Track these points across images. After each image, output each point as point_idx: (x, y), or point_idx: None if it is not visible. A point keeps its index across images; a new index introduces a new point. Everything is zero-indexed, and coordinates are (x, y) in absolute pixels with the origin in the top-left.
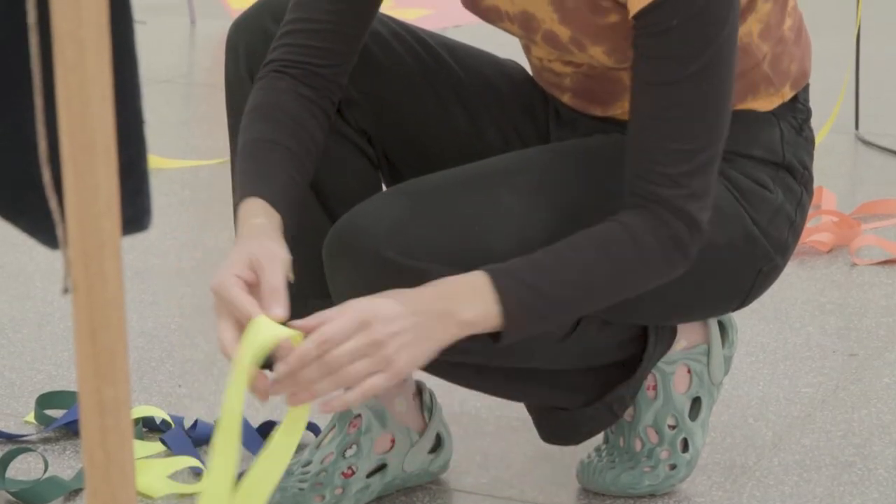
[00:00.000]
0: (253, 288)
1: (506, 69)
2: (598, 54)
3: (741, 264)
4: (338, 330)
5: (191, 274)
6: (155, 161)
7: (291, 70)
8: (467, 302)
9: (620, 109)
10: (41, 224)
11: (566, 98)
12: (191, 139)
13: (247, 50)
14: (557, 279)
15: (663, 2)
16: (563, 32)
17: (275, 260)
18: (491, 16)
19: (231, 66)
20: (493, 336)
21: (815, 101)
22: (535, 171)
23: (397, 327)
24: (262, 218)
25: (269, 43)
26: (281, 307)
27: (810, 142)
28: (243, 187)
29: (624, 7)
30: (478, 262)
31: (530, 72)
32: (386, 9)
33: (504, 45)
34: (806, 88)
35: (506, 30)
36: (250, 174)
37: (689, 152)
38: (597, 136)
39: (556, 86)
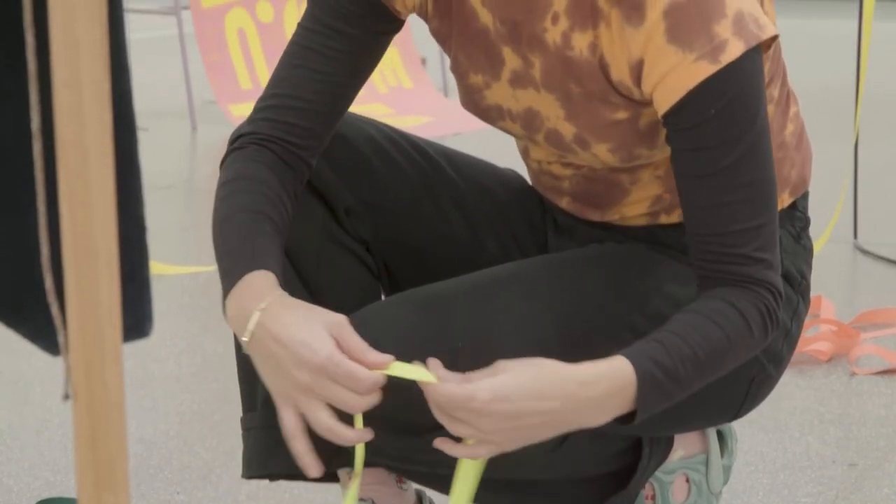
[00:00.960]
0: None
1: (504, 178)
2: (602, 152)
3: (733, 373)
4: (515, 388)
5: (190, 380)
6: (155, 267)
7: (271, 145)
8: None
9: (618, 215)
10: (42, 330)
11: (564, 202)
12: (190, 245)
13: None
14: (682, 357)
15: (696, 96)
16: (568, 130)
17: (345, 323)
18: (492, 115)
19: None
20: (621, 418)
21: (813, 210)
22: (536, 280)
23: (546, 407)
24: (283, 291)
25: None
26: (386, 357)
27: (808, 251)
28: (252, 259)
29: (633, 103)
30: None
31: (528, 178)
32: (386, 116)
33: (503, 154)
34: (805, 196)
35: (505, 129)
36: (252, 247)
37: (755, 229)
38: (593, 246)
39: (554, 189)
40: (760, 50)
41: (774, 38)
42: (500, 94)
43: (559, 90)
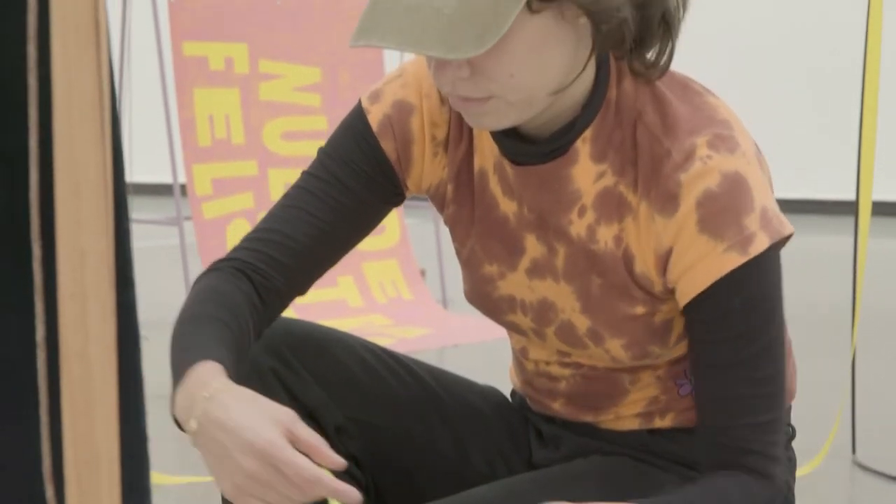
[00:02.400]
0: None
1: (486, 395)
2: (615, 348)
3: None
4: None
5: None
6: (154, 477)
7: (251, 274)
8: None
9: (613, 415)
10: None
11: (558, 405)
12: (189, 455)
13: (235, 380)
14: None
15: (723, 286)
16: (582, 323)
17: (296, 417)
18: (502, 307)
19: None
20: None
21: (811, 425)
22: (523, 501)
23: None
24: (230, 381)
25: (258, 372)
26: (340, 458)
27: (793, 462)
28: (202, 351)
29: (652, 298)
30: None
31: (515, 383)
32: (385, 327)
33: (494, 368)
34: (789, 409)
35: (513, 324)
36: (211, 339)
37: (767, 423)
38: (578, 462)
39: (548, 392)
40: (780, 246)
41: (789, 236)
42: (514, 284)
43: (579, 282)
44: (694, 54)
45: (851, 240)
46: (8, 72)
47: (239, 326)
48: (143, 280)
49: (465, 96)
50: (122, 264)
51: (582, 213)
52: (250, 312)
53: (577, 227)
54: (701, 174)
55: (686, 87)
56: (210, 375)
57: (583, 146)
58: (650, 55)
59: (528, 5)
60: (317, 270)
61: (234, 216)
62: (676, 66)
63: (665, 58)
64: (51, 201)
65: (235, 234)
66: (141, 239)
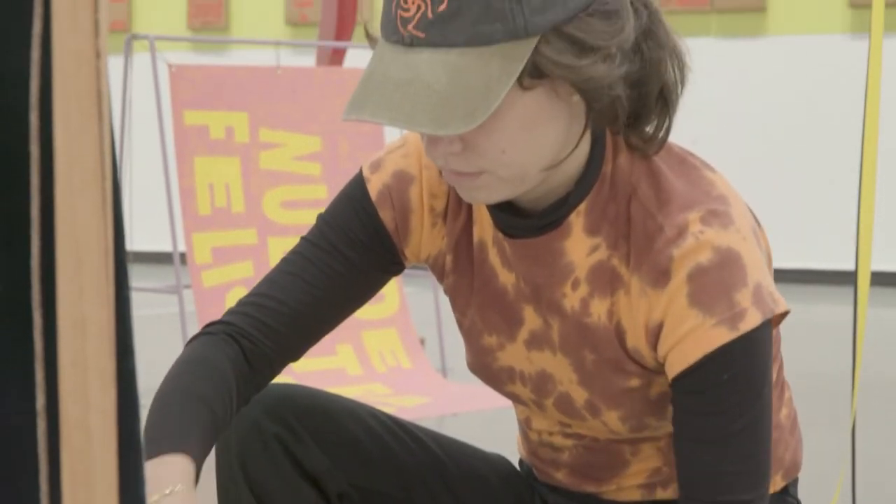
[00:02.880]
0: None
1: (493, 463)
2: (612, 420)
3: None
4: None
5: None
6: None
7: (242, 340)
8: None
9: (615, 485)
10: None
11: (561, 475)
12: None
13: (239, 445)
14: None
15: (711, 360)
16: (580, 395)
17: None
18: (502, 378)
19: (223, 463)
20: None
21: (811, 497)
22: None
23: None
24: (193, 486)
25: (262, 438)
26: None
27: None
28: (178, 439)
29: (647, 371)
30: None
31: (521, 452)
32: (385, 396)
33: (494, 437)
34: (795, 482)
35: (513, 394)
36: (185, 424)
37: (747, 502)
38: None
39: (552, 462)
40: (772, 323)
41: (785, 314)
42: (514, 355)
43: (574, 355)
44: (692, 126)
45: (851, 310)
46: (10, 140)
47: (221, 400)
48: (143, 348)
49: (457, 171)
50: (122, 332)
51: (575, 286)
52: (236, 380)
53: (571, 300)
54: (693, 249)
55: (683, 161)
56: (176, 473)
57: (577, 219)
58: (648, 129)
59: (520, 82)
60: (311, 338)
61: (233, 284)
62: (675, 136)
63: (662, 132)
64: (52, 269)
65: (234, 302)
66: (141, 307)
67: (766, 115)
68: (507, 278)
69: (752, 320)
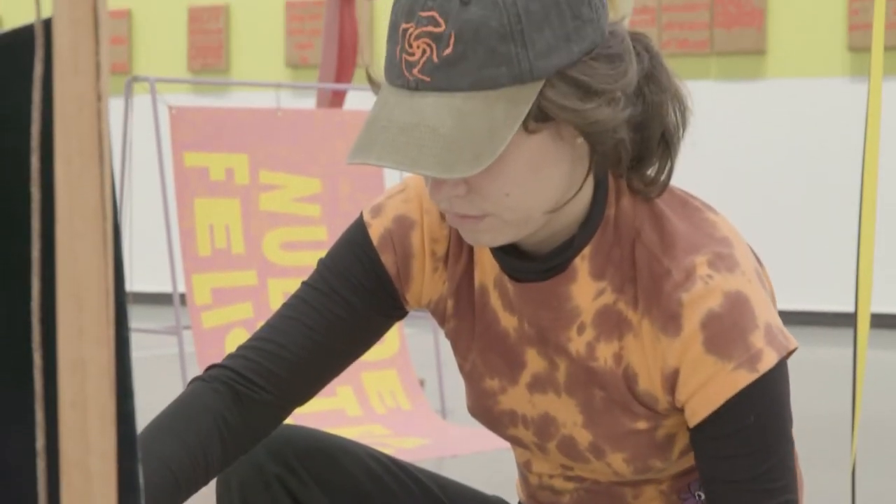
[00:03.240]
0: None
1: None
2: (616, 462)
3: None
4: None
5: None
6: None
7: (238, 386)
8: None
9: None
10: None
11: None
12: None
13: (240, 485)
14: None
15: (735, 404)
16: (584, 437)
17: None
18: (504, 421)
19: (225, 502)
20: None
21: None
22: None
23: None
24: None
25: (263, 478)
26: None
27: None
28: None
29: (655, 414)
30: None
31: (521, 496)
32: (384, 437)
33: (493, 479)
34: None
35: (514, 437)
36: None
37: None
38: None
39: None
40: (786, 361)
41: (795, 349)
42: (515, 399)
43: (581, 395)
44: (694, 168)
45: (850, 352)
46: (11, 182)
47: (188, 456)
48: (142, 389)
49: (461, 214)
50: (122, 374)
51: (581, 330)
52: (219, 431)
53: (577, 344)
54: (703, 295)
55: (685, 203)
56: None
57: (581, 263)
58: (650, 172)
59: (525, 126)
60: (314, 382)
61: (233, 326)
62: (677, 179)
63: (664, 176)
64: (52, 311)
65: (234, 343)
66: (140, 348)
67: (765, 158)
68: (508, 322)
69: (768, 360)
